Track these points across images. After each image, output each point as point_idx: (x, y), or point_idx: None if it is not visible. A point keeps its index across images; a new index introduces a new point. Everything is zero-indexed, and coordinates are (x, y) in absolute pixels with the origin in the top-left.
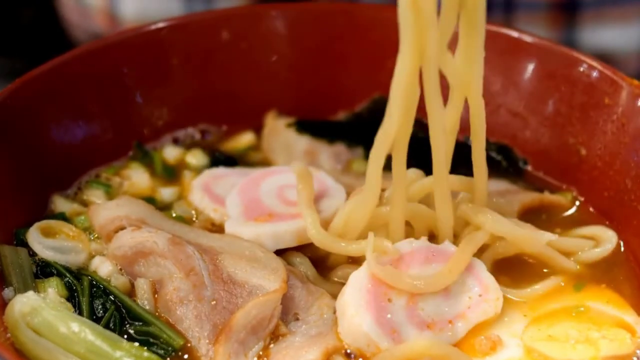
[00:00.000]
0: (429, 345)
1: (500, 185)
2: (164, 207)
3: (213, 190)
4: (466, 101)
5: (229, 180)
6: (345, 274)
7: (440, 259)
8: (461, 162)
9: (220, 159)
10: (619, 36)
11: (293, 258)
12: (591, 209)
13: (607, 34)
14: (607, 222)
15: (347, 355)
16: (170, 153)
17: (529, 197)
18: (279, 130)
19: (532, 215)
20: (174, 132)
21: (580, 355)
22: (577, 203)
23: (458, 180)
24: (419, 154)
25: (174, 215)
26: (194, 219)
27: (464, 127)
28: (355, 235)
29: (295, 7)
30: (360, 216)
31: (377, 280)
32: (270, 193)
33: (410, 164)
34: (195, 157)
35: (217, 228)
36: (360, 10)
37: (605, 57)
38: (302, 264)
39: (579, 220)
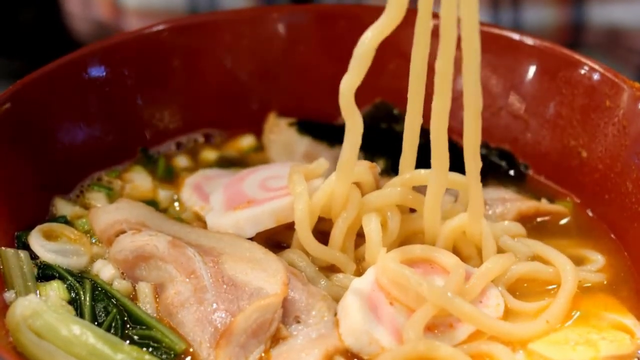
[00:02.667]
0: (431, 346)
1: (499, 193)
2: (164, 209)
3: (203, 189)
4: None
5: (220, 181)
6: (346, 279)
7: (440, 270)
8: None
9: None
10: (628, 12)
11: (292, 255)
12: (590, 214)
13: (617, 9)
14: (606, 226)
15: (349, 356)
16: (179, 162)
17: (526, 205)
18: (280, 129)
19: (527, 223)
20: (177, 137)
21: (581, 356)
22: (577, 210)
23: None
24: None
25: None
26: (183, 216)
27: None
28: (336, 213)
29: (297, 9)
30: (340, 192)
31: (379, 286)
32: (252, 185)
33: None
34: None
35: (202, 224)
36: (362, 13)
37: (615, 33)
38: (302, 261)
39: (575, 227)
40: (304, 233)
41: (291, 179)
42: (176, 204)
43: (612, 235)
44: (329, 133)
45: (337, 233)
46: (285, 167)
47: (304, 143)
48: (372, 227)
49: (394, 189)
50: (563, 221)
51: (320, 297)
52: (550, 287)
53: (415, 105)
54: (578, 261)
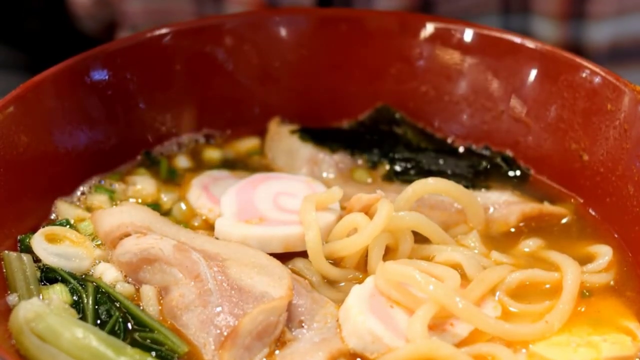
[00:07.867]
0: (434, 345)
1: (503, 196)
2: (167, 212)
3: (211, 191)
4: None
5: (228, 183)
6: (348, 286)
7: None
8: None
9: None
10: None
11: (299, 263)
12: (593, 213)
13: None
14: (609, 226)
15: (352, 356)
16: (181, 162)
17: (529, 207)
18: (282, 137)
19: (529, 224)
20: (178, 137)
21: (582, 358)
22: (580, 212)
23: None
24: (420, 164)
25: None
26: (195, 223)
27: (468, 134)
28: None
29: (299, 13)
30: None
31: (379, 291)
32: (265, 197)
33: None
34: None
35: (210, 227)
36: (364, 17)
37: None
38: (308, 269)
39: (579, 228)
40: (318, 261)
41: (302, 207)
42: (182, 205)
43: (615, 235)
44: (330, 138)
45: (351, 258)
46: (299, 183)
47: (306, 150)
48: (375, 250)
49: (408, 214)
50: (565, 221)
51: (324, 303)
52: (549, 287)
53: None
54: (583, 260)
